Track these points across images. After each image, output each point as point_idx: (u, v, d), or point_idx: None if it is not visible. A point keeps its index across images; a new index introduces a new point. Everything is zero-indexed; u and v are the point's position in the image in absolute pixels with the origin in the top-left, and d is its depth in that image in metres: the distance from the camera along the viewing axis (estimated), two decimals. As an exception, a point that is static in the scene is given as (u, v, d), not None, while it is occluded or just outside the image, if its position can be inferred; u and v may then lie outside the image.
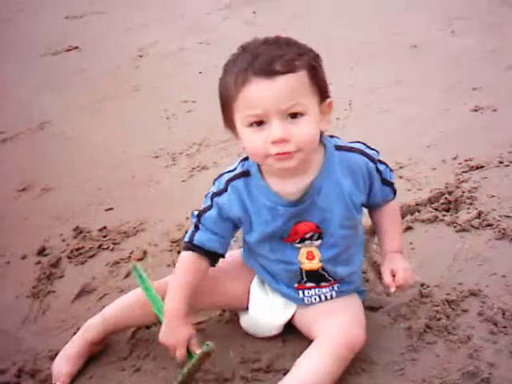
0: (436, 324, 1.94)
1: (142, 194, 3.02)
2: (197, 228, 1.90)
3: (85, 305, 2.30)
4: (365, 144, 1.88)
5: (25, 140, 3.84)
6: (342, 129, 3.29)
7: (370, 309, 2.03)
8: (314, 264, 1.87)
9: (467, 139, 3.00)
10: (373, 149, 1.89)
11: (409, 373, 1.79)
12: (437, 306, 2.00)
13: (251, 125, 1.67)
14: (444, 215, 2.45)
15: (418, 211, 2.49)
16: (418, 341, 1.89)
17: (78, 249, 2.62)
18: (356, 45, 4.41)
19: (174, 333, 1.84)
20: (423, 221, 2.44)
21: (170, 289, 1.89)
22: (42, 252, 2.65)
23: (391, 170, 1.94)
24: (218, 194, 1.86)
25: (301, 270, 1.88)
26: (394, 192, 1.96)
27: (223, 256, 1.93)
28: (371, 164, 1.83)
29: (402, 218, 2.45)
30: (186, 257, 1.91)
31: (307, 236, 1.83)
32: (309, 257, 1.86)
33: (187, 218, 2.65)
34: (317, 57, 1.73)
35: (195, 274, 1.90)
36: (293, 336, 1.95)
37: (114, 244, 2.61)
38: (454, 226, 2.38)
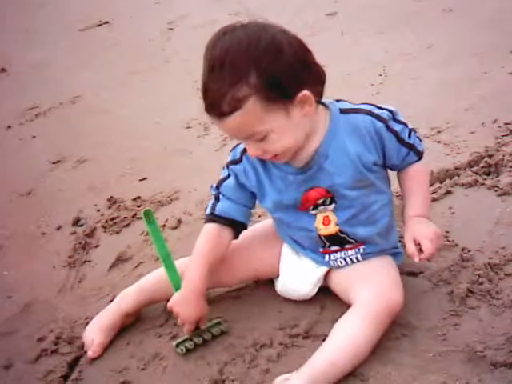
0: (478, 288, 1.89)
1: (176, 163, 3.00)
2: (217, 199, 1.92)
3: (120, 273, 2.31)
4: (374, 105, 1.80)
5: (57, 114, 3.86)
6: (376, 95, 3.23)
7: (410, 274, 1.99)
8: (331, 229, 1.84)
9: (507, 102, 2.90)
10: (385, 108, 1.79)
11: (451, 338, 1.75)
12: (479, 270, 1.94)
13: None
14: (484, 179, 2.38)
15: (458, 175, 2.43)
16: (461, 305, 1.84)
17: (112, 218, 2.62)
18: (388, 10, 4.31)
19: (189, 306, 1.85)
20: (463, 185, 2.37)
21: (192, 260, 1.89)
22: (77, 222, 2.67)
23: (412, 131, 1.84)
24: (234, 162, 1.88)
25: (319, 236, 1.86)
26: (418, 154, 1.85)
27: (245, 227, 1.94)
28: (379, 123, 1.75)
29: (441, 182, 2.40)
30: (209, 228, 1.91)
31: (319, 202, 1.81)
32: (325, 222, 1.84)
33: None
34: (271, 59, 1.61)
35: (218, 245, 1.90)
36: (331, 302, 1.92)
37: (148, 213, 2.60)
38: (495, 190, 2.31)
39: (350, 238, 1.86)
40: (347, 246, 1.87)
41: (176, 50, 4.50)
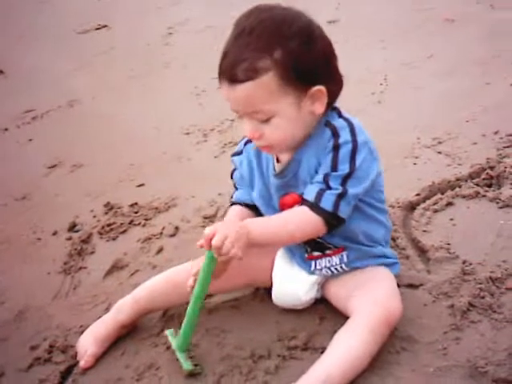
0: (480, 302, 1.85)
1: (174, 170, 2.98)
2: (235, 187, 1.98)
3: (116, 281, 2.27)
4: (351, 125, 1.70)
5: (54, 117, 3.84)
6: (377, 104, 3.21)
7: (410, 286, 1.96)
8: None
9: (508, 113, 2.88)
10: (355, 141, 1.66)
11: (452, 352, 1.71)
12: (480, 283, 1.91)
13: (239, 116, 1.71)
14: (486, 191, 2.36)
15: (459, 187, 2.40)
16: (462, 319, 1.81)
17: (109, 225, 2.59)
18: (390, 19, 4.30)
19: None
20: (464, 196, 2.35)
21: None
22: (72, 228, 2.63)
23: (348, 177, 1.66)
24: (236, 153, 1.93)
25: None
26: (316, 200, 1.66)
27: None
28: (331, 141, 1.67)
29: (442, 193, 2.38)
30: (232, 208, 1.95)
31: (295, 207, 1.77)
32: None
33: (219, 194, 2.61)
34: (300, 43, 1.62)
35: (240, 214, 1.88)
36: (330, 313, 1.89)
37: (145, 220, 2.58)
38: (497, 202, 2.29)
39: (328, 243, 1.82)
40: (328, 252, 1.84)
41: (175, 55, 4.48)
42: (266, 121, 1.65)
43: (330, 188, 1.66)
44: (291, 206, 1.77)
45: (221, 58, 1.65)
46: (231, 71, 1.60)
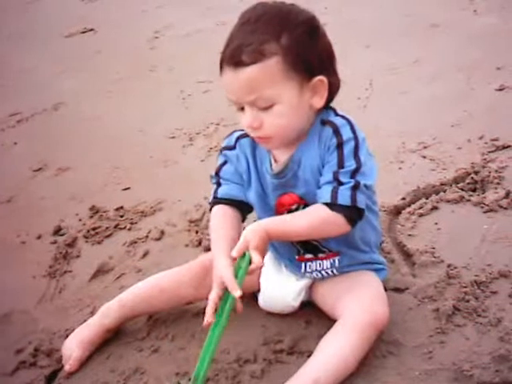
0: (465, 306, 1.87)
1: (160, 173, 2.97)
2: (218, 184, 1.88)
3: (101, 284, 2.26)
4: (350, 122, 1.71)
5: (40, 121, 3.81)
6: (363, 109, 3.22)
7: (395, 290, 1.97)
8: None
9: (493, 119, 2.91)
10: (356, 138, 1.68)
11: (437, 356, 1.73)
12: (465, 287, 1.93)
13: (238, 109, 1.69)
14: (470, 195, 2.38)
15: (444, 191, 2.42)
16: (447, 323, 1.82)
17: (94, 228, 2.57)
18: (376, 24, 4.33)
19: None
20: (449, 201, 2.37)
21: (213, 247, 1.80)
22: (57, 232, 2.61)
23: (356, 171, 1.66)
24: (228, 148, 1.87)
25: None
26: (333, 199, 1.66)
27: (251, 207, 1.88)
28: (334, 140, 1.68)
29: (427, 198, 2.39)
30: (216, 210, 1.86)
31: (293, 208, 1.78)
32: None
33: (205, 198, 2.58)
34: (306, 32, 1.64)
35: (231, 220, 1.82)
36: (316, 317, 1.89)
37: (131, 224, 2.57)
38: (482, 207, 2.31)
39: (323, 246, 1.83)
40: (321, 256, 1.84)
41: (161, 59, 4.47)
42: (267, 108, 1.63)
43: (342, 184, 1.66)
44: (289, 205, 1.78)
45: (225, 46, 1.64)
46: (236, 55, 1.59)
